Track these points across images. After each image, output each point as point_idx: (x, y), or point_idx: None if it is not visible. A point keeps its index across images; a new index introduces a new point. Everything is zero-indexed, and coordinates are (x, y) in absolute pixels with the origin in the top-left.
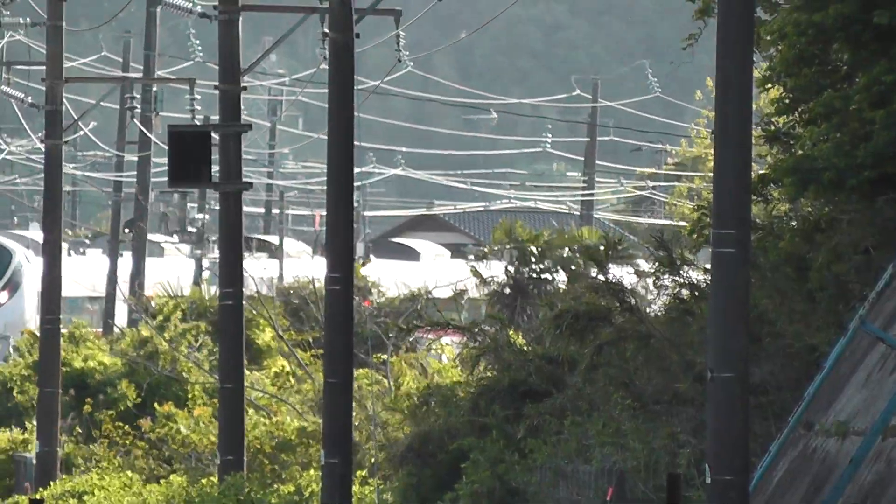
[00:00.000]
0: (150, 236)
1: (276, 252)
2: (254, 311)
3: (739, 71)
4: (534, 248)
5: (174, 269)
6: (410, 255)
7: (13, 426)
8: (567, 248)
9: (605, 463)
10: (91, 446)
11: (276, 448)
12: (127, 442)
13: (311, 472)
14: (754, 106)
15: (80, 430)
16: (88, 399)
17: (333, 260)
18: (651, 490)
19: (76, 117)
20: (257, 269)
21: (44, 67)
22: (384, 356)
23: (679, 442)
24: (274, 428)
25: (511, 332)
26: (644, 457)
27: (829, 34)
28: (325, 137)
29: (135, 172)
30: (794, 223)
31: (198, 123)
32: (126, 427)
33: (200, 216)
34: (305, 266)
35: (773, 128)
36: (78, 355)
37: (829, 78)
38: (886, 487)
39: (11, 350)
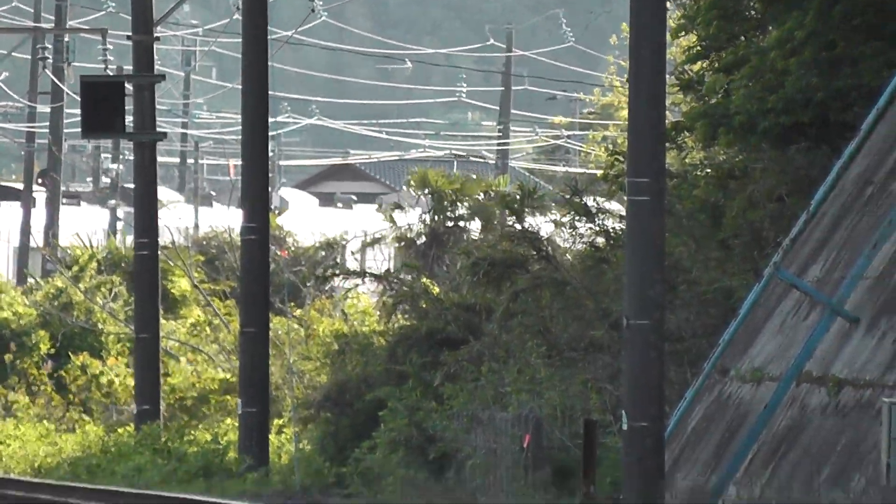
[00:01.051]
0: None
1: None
2: (169, 262)
3: (653, 20)
4: (449, 192)
5: (89, 220)
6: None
7: None
8: (482, 195)
9: (522, 410)
10: (10, 394)
11: (195, 398)
12: (47, 390)
13: (228, 420)
14: (668, 55)
15: None
16: (12, 346)
17: (249, 209)
18: (567, 437)
19: None
20: (172, 219)
21: None
22: (301, 306)
23: (595, 389)
24: (193, 378)
25: (427, 281)
26: (560, 404)
27: None
28: (240, 87)
29: (48, 123)
30: (708, 171)
31: (111, 74)
32: (44, 376)
33: (114, 166)
34: (222, 215)
35: (686, 76)
36: None
37: (741, 26)
38: (800, 433)
39: None
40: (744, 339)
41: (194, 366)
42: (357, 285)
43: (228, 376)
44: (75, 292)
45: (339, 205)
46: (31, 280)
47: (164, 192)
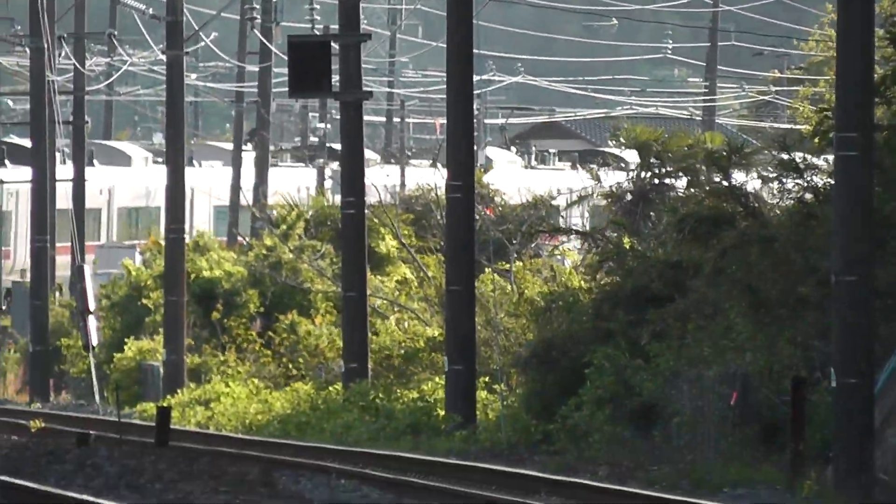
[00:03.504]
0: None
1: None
2: (376, 220)
3: None
4: (656, 146)
5: (297, 179)
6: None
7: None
8: (687, 150)
9: (729, 367)
10: (221, 355)
11: (402, 356)
12: (256, 348)
13: (437, 378)
14: (877, 7)
15: (206, 337)
16: (219, 306)
17: (454, 168)
18: (775, 394)
19: (197, 28)
20: (380, 177)
21: None
22: (507, 263)
23: (804, 346)
24: (400, 336)
25: (632, 238)
26: (768, 361)
27: None
28: (445, 46)
29: (256, 83)
30: None
31: (317, 33)
32: (253, 334)
33: (321, 126)
34: (428, 174)
35: None
36: (204, 264)
37: None
38: None
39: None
40: None
41: (402, 324)
42: (563, 242)
43: (436, 333)
44: (284, 251)
45: (535, 162)
46: (241, 239)
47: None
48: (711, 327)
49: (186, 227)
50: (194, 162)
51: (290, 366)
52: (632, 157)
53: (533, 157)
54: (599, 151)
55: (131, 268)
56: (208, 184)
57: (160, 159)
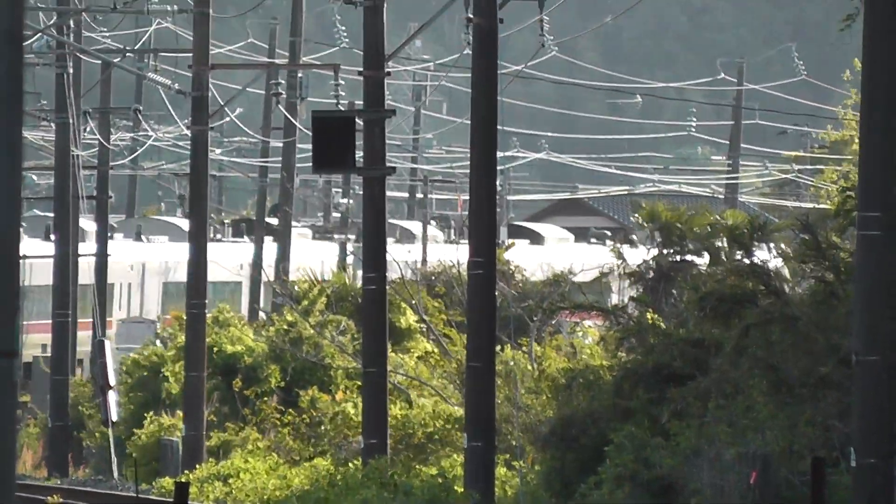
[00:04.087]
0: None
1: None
2: (397, 295)
3: (887, 51)
4: (678, 225)
5: (318, 254)
6: (535, 238)
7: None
8: (710, 229)
9: (749, 447)
10: (244, 429)
11: (422, 435)
12: (277, 421)
13: (455, 456)
14: None
15: (227, 414)
16: (238, 379)
17: (476, 244)
18: (794, 474)
19: (222, 103)
20: (401, 254)
21: (190, 54)
22: (527, 339)
23: (824, 426)
24: (419, 413)
25: (654, 315)
26: (788, 440)
27: None
28: (469, 122)
29: (280, 158)
30: None
31: (342, 109)
32: (275, 406)
33: (345, 201)
34: (448, 250)
35: None
36: (226, 339)
37: None
38: None
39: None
40: None
41: (421, 400)
42: (584, 320)
43: (456, 411)
44: (305, 327)
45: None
46: (262, 315)
47: None
48: (732, 406)
49: (137, 306)
50: (143, 237)
51: (310, 442)
52: (549, 231)
53: (453, 231)
54: (520, 226)
55: (140, 360)
56: (160, 259)
57: (122, 234)
